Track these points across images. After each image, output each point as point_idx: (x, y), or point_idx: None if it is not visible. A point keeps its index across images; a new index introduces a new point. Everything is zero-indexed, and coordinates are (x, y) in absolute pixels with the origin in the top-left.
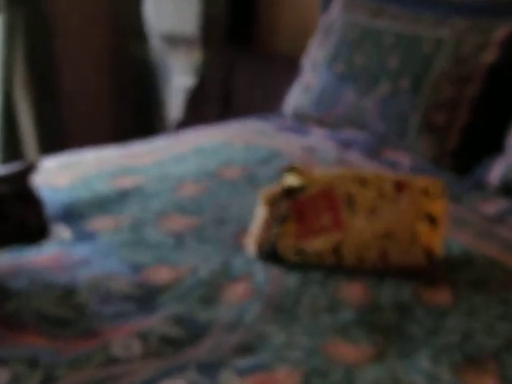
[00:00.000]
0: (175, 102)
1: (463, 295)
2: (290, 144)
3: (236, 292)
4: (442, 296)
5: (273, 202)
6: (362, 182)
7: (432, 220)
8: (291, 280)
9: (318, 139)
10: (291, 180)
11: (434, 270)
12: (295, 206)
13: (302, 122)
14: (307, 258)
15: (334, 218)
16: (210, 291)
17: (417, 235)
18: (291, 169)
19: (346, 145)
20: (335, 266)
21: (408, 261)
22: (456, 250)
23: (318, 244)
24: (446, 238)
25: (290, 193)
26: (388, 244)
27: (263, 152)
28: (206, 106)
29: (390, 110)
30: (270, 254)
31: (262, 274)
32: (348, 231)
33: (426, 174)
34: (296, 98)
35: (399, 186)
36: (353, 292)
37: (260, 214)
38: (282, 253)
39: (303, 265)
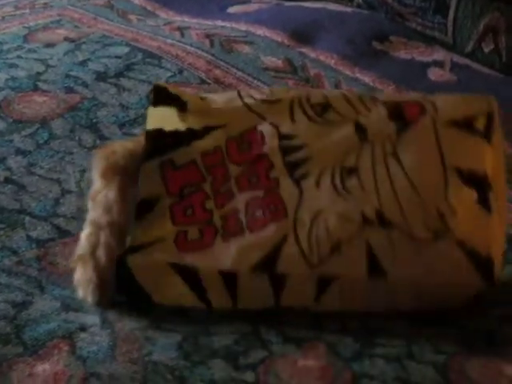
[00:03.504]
0: None
1: None
2: (179, 36)
3: (35, 376)
4: (509, 369)
5: (125, 173)
6: (323, 104)
7: (481, 184)
8: (166, 346)
9: (241, 23)
10: (165, 119)
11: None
12: (172, 177)
13: None
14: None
15: (264, 191)
16: None
17: (448, 218)
18: (164, 94)
19: (304, 35)
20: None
21: (430, 279)
22: None
23: (237, 256)
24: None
25: (160, 147)
26: (379, 239)
27: (114, 53)
28: None
29: None
30: (121, 290)
31: (103, 333)
32: (295, 219)
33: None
34: None
35: (402, 115)
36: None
37: (98, 200)
38: (148, 287)
39: (190, 310)
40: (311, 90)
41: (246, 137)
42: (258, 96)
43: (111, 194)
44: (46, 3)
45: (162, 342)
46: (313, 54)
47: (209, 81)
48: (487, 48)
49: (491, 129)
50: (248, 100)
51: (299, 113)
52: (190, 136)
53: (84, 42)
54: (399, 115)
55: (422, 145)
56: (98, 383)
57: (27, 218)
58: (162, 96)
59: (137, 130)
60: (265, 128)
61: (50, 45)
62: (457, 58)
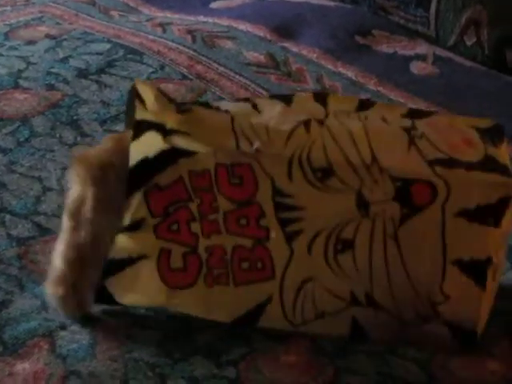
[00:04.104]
0: None
1: None
2: (161, 32)
3: (16, 375)
4: (493, 364)
5: (102, 183)
6: (325, 169)
7: (477, 267)
8: (147, 343)
9: (223, 18)
10: (149, 145)
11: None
12: (156, 198)
13: None
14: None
15: (253, 241)
16: None
17: (439, 306)
18: (145, 127)
19: (287, 30)
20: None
21: (413, 341)
22: None
23: (219, 306)
24: None
25: (144, 177)
26: (366, 315)
27: (96, 50)
28: None
29: None
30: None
31: (84, 331)
32: (282, 281)
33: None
34: None
35: (410, 198)
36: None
37: (73, 213)
38: (130, 303)
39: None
40: (313, 143)
41: (238, 170)
42: (253, 136)
43: (87, 208)
44: (27, 0)
45: (142, 340)
46: (295, 49)
47: (190, 76)
48: (470, 41)
49: (503, 213)
50: (243, 144)
51: (298, 173)
52: (176, 154)
53: (65, 39)
54: (407, 198)
55: (426, 235)
56: (78, 381)
57: (8, 216)
58: (142, 127)
59: (118, 127)
60: (259, 173)
61: (31, 42)
62: (439, 52)
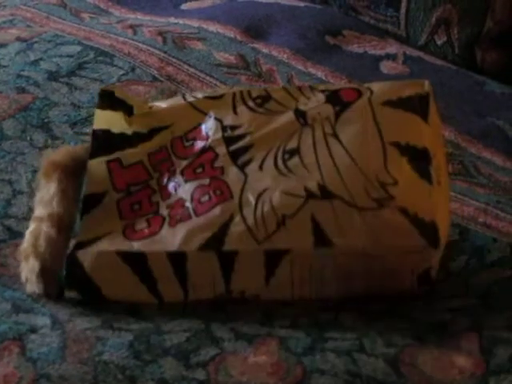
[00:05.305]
0: None
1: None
2: (131, 33)
3: None
4: (461, 360)
5: (65, 169)
6: (263, 96)
7: (420, 157)
8: (117, 345)
9: (193, 19)
10: (112, 122)
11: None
12: (118, 174)
13: None
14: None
15: (209, 179)
16: None
17: (389, 187)
18: (110, 98)
19: (257, 30)
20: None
21: (376, 247)
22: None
23: (182, 239)
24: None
25: (106, 147)
26: (323, 211)
27: (66, 52)
28: None
29: None
30: (72, 286)
31: (54, 334)
32: (240, 200)
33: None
34: None
35: (340, 98)
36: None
37: (43, 197)
38: (99, 282)
39: (142, 309)
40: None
41: (191, 135)
42: (200, 95)
43: (51, 188)
44: None
45: (113, 342)
46: (265, 49)
47: (161, 78)
48: (440, 40)
49: (426, 109)
50: (191, 99)
51: (241, 105)
52: (136, 139)
53: (36, 42)
54: (337, 99)
55: (360, 123)
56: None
57: None
58: (107, 100)
59: (88, 129)
60: (209, 124)
61: (1, 45)
62: (410, 51)
